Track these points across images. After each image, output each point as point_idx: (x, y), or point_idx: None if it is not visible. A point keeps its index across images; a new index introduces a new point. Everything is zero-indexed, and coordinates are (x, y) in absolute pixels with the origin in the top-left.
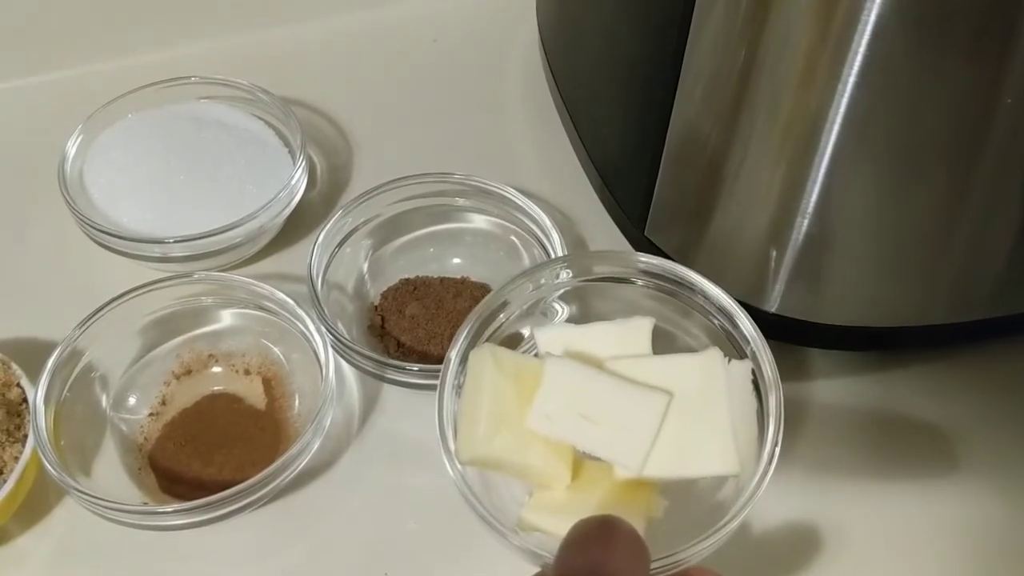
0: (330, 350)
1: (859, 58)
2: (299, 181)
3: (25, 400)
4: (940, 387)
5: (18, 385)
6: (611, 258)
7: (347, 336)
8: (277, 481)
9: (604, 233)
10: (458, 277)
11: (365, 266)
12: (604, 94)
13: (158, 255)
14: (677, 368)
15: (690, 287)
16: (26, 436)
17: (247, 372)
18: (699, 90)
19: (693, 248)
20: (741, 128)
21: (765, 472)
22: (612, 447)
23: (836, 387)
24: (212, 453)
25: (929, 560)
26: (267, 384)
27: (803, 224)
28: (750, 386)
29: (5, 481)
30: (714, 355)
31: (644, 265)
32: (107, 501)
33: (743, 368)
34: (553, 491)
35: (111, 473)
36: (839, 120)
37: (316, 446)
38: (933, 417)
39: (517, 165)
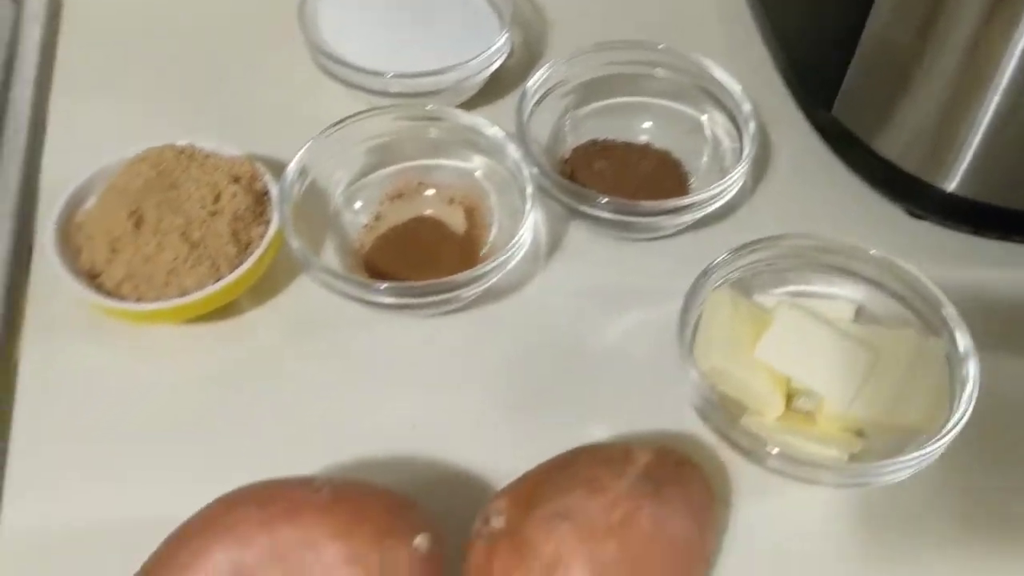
0: (534, 182)
1: None
2: (506, 43)
3: (267, 193)
4: None
5: (261, 180)
6: (838, 249)
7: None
8: (474, 285)
9: (784, 113)
10: (641, 143)
11: (560, 122)
12: None
13: (377, 88)
14: (882, 335)
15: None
16: (268, 221)
17: (451, 201)
18: None
19: (879, 126)
20: (942, 9)
21: (958, 422)
22: (825, 384)
23: (1003, 277)
24: (415, 266)
25: None
26: (468, 213)
27: (994, 100)
28: (944, 358)
29: (251, 254)
30: (913, 330)
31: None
32: (337, 272)
33: (939, 344)
34: (765, 418)
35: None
36: None
37: (516, 260)
38: None
39: (701, 47)
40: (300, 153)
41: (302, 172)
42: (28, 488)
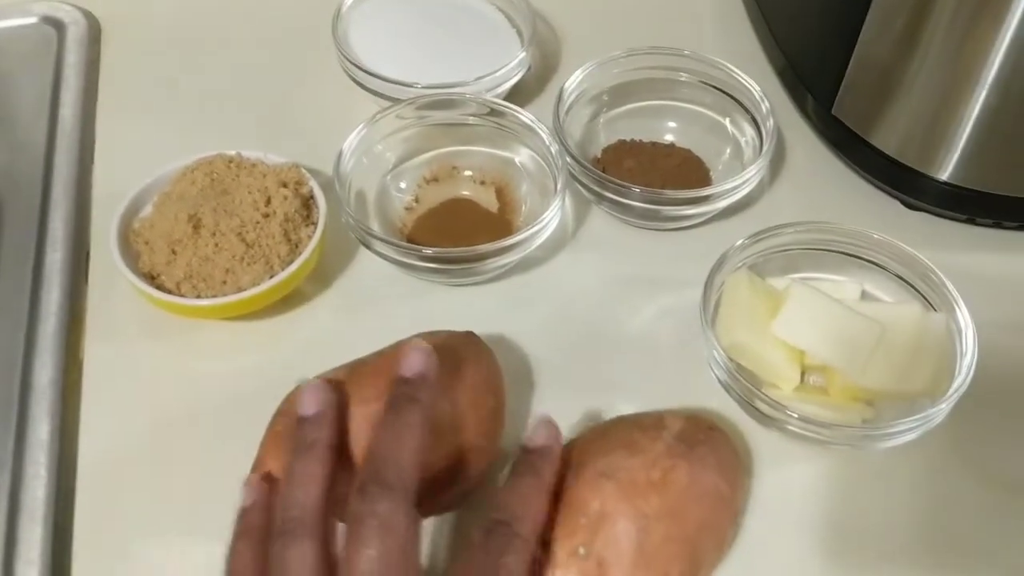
0: (566, 158)
1: None
2: (526, 58)
3: (312, 196)
4: None
5: (307, 185)
6: (845, 235)
7: None
8: (509, 253)
9: (783, 114)
10: (667, 142)
11: (590, 124)
12: None
13: (406, 99)
14: (887, 312)
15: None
16: (315, 223)
17: (483, 183)
18: None
19: (875, 122)
20: (928, 14)
21: (960, 387)
22: (837, 356)
23: (996, 261)
24: (454, 242)
25: None
26: (499, 192)
27: (981, 95)
28: (945, 331)
29: (301, 253)
30: (916, 307)
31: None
32: (390, 240)
33: (940, 318)
34: (780, 391)
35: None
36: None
37: (549, 232)
38: None
39: (698, 47)
40: (350, 137)
41: (351, 155)
42: (99, 480)
